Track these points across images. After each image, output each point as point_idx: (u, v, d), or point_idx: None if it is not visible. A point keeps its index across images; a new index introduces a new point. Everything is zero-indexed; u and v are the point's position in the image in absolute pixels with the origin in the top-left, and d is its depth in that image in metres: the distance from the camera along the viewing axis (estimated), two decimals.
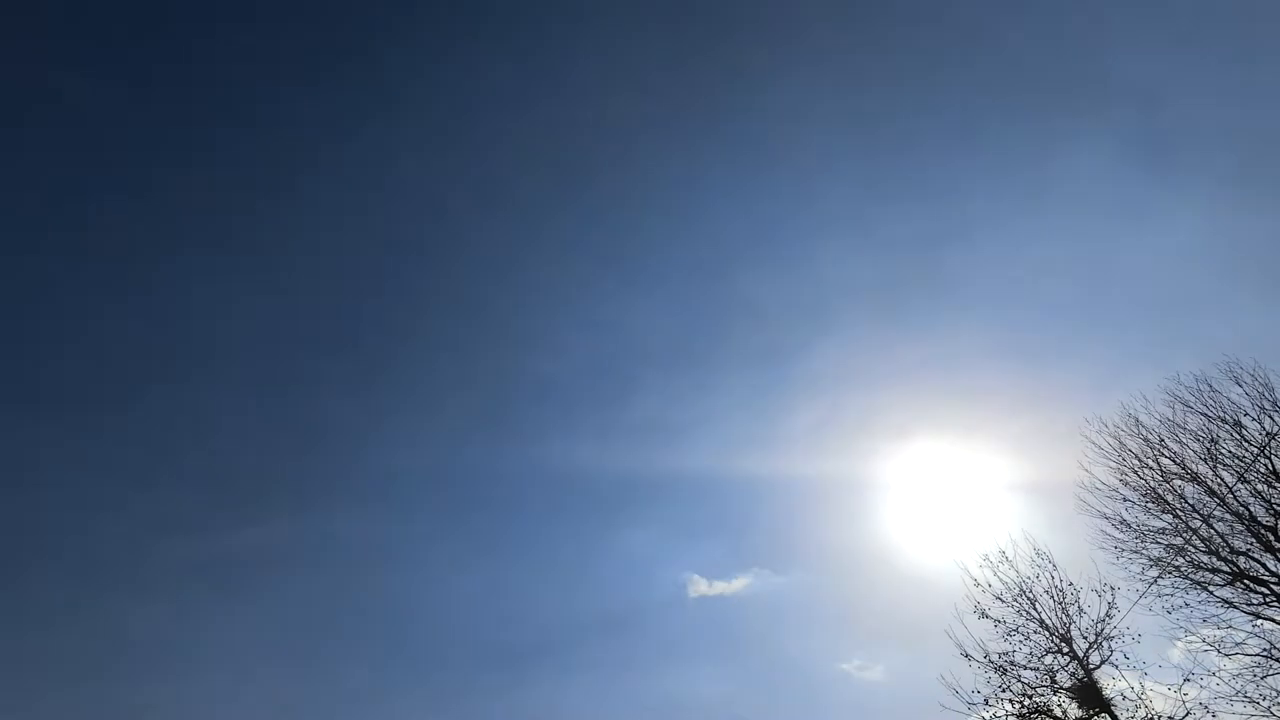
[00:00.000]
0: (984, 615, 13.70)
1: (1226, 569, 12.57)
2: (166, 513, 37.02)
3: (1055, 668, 13.00)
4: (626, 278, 43.44)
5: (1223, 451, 12.69)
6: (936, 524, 24.02)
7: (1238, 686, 12.09)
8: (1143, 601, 12.95)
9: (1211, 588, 12.72)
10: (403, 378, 42.72)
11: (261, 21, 39.83)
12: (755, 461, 36.99)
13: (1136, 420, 13.74)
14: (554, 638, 36.11)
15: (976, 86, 37.90)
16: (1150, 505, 13.36)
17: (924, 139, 39.05)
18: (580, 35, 41.29)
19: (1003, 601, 13.76)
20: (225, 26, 39.57)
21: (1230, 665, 12.30)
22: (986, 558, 14.25)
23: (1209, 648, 12.50)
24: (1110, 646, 12.77)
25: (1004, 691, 12.93)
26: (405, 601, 37.62)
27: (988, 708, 12.91)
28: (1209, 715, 11.88)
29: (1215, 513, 12.65)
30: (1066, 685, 12.84)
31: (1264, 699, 11.88)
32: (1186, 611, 12.84)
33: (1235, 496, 12.48)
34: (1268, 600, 12.26)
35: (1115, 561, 13.66)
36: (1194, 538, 12.83)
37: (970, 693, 12.98)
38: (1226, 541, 12.57)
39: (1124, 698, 12.39)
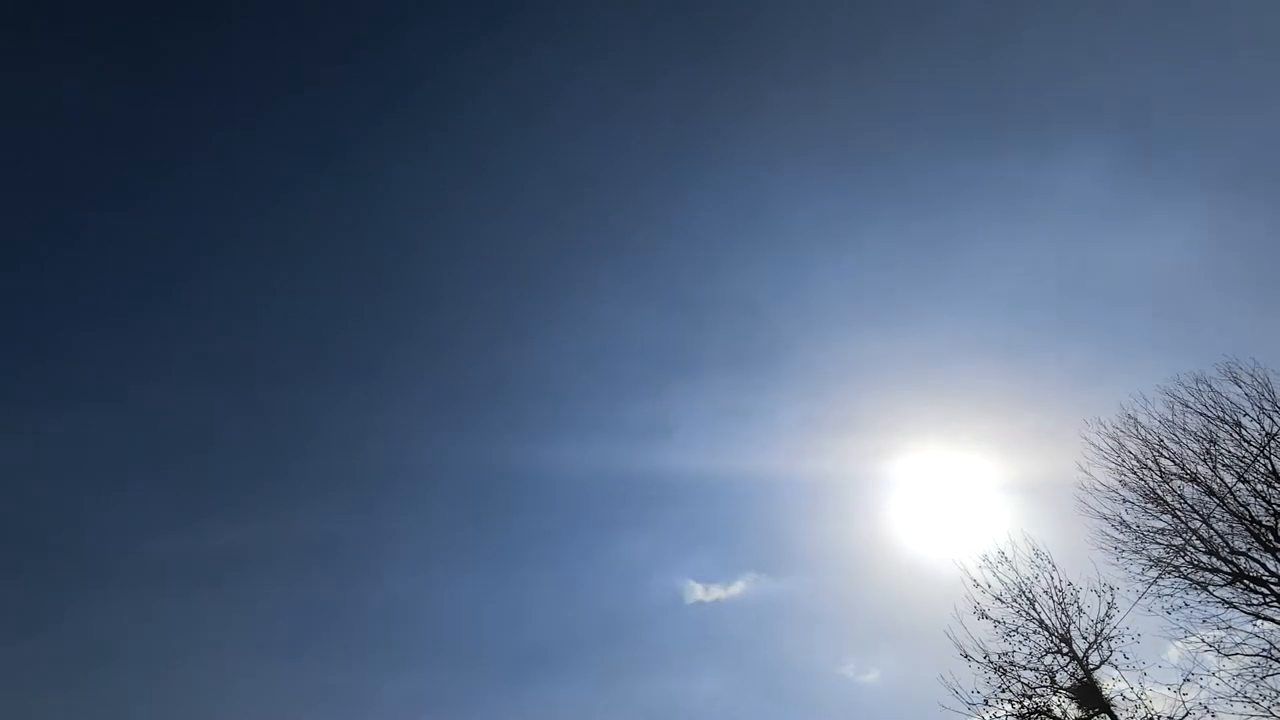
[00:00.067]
0: (983, 616, 13.71)
1: (1226, 569, 12.54)
2: (156, 511, 36.80)
3: (1055, 668, 13.00)
4: (622, 279, 43.41)
5: (1222, 452, 12.67)
6: (932, 524, 24.00)
7: (1237, 687, 12.08)
8: (1142, 602, 12.95)
9: (1211, 588, 12.70)
10: (395, 378, 42.54)
11: (262, 21, 39.70)
12: (747, 464, 37.02)
13: (1135, 421, 13.73)
14: (551, 642, 36.04)
15: (970, 92, 38.10)
16: (1150, 506, 13.34)
17: (915, 145, 39.26)
18: (578, 39, 41.31)
19: (1002, 602, 13.77)
20: (225, 27, 39.40)
21: (1230, 665, 12.30)
22: (986, 558, 14.27)
23: (1209, 648, 12.49)
24: (1110, 647, 12.79)
25: (1004, 692, 12.94)
26: (397, 603, 37.48)
27: (987, 708, 12.92)
28: (1209, 715, 11.87)
29: (1215, 513, 12.61)
30: (1066, 685, 12.83)
31: (1264, 699, 11.86)
32: (1186, 612, 12.84)
33: (1235, 497, 12.44)
34: (1267, 600, 12.23)
35: (1115, 562, 13.65)
36: (1194, 538, 12.81)
37: (970, 693, 13.01)
38: (1226, 542, 12.55)
39: (1124, 698, 12.39)
